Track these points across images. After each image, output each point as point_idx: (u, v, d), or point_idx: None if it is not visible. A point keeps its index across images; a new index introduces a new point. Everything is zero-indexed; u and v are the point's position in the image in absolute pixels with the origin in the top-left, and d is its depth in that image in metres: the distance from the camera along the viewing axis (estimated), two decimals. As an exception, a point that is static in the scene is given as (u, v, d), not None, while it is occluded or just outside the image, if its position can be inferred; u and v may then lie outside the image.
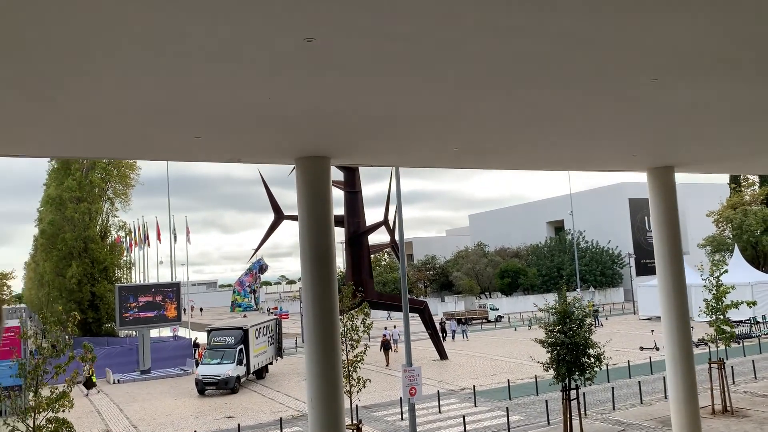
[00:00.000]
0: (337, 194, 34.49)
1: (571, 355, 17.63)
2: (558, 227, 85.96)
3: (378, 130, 8.78)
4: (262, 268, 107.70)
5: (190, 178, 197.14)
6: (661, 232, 14.72)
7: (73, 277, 46.28)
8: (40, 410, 11.89)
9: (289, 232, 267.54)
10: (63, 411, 11.91)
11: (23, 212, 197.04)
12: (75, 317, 12.26)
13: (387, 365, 34.23)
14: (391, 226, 36.00)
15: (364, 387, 15.61)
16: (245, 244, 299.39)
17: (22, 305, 35.35)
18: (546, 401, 21.58)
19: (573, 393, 18.07)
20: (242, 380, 30.13)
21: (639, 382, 24.24)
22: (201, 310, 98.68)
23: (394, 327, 45.69)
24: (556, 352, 17.93)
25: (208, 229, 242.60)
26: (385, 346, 35.90)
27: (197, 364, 34.59)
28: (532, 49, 6.03)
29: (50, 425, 11.88)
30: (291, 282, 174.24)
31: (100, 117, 7.40)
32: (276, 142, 9.19)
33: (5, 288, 32.42)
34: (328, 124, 8.35)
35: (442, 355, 35.80)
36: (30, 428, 12.08)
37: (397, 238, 34.82)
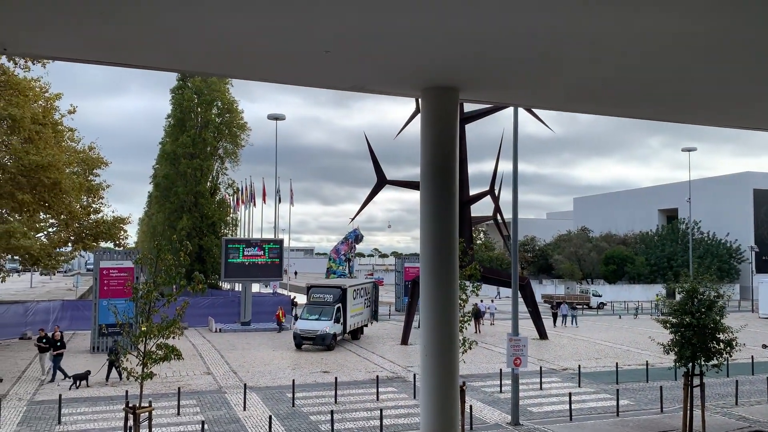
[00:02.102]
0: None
1: (698, 338, 16.03)
2: (671, 216, 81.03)
3: (521, 45, 7.79)
4: (357, 237, 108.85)
5: (294, 149, 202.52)
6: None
7: (183, 230, 48.25)
8: (151, 335, 12.01)
9: (385, 207, 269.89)
10: (173, 338, 11.98)
11: (139, 172, 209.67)
12: (188, 246, 12.27)
13: (476, 332, 35.52)
14: (497, 195, 34.70)
15: (470, 348, 14.86)
16: (341, 215, 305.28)
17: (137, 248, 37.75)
18: (660, 387, 19.99)
19: (696, 380, 16.48)
20: (338, 338, 30.26)
21: (767, 379, 22.07)
22: (296, 273, 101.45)
23: (492, 301, 44.85)
24: (680, 333, 16.38)
25: (308, 199, 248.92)
26: (476, 314, 36.06)
27: (278, 323, 36.25)
28: None
29: (160, 351, 12.00)
30: (383, 255, 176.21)
31: (219, 22, 6.92)
32: (406, 62, 8.46)
33: (122, 232, 34.11)
34: (466, 38, 7.49)
35: (542, 334, 34.44)
36: (141, 352, 12.26)
37: (509, 217, 33.58)
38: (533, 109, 32.33)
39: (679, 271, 20.80)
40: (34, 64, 26.16)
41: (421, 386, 9.56)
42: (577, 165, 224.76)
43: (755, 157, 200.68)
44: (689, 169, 58.50)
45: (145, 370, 12.15)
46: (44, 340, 22.68)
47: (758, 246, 66.94)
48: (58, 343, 22.38)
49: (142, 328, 11.96)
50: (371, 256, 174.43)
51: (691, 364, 16.29)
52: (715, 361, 16.22)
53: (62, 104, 36.53)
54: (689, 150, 59.40)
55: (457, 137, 10.07)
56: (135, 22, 7.17)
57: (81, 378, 21.27)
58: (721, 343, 16.09)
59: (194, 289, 12.22)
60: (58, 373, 22.30)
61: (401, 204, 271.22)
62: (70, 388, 20.73)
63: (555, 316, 42.22)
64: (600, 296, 56.62)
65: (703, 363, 16.24)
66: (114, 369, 21.63)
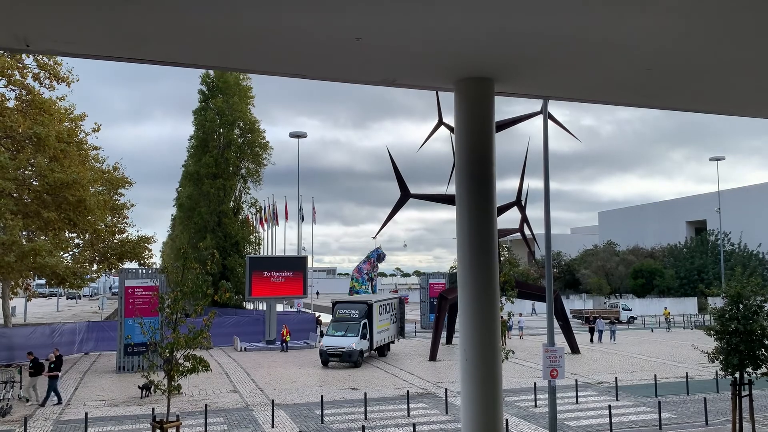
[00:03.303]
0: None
1: (746, 344, 15.26)
2: (699, 228, 79.42)
3: (561, 32, 7.37)
4: (380, 256, 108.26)
5: (315, 170, 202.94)
6: None
7: (207, 250, 48.21)
8: (179, 347, 11.65)
9: (406, 227, 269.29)
10: (201, 349, 11.61)
11: (162, 197, 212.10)
12: (214, 255, 11.95)
13: (503, 344, 33.71)
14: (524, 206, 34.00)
15: (507, 358, 14.27)
16: (363, 235, 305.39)
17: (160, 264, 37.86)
18: (705, 399, 19.14)
19: (744, 390, 15.67)
20: (365, 355, 29.69)
21: (816, 389, 21.08)
22: (317, 293, 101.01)
23: (520, 315, 44.04)
24: (725, 341, 15.63)
25: (329, 220, 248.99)
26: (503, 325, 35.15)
27: (283, 342, 35.13)
28: None
29: (187, 362, 11.62)
30: (405, 275, 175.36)
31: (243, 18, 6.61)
32: (441, 51, 8.08)
33: (147, 251, 34.11)
34: (503, 24, 7.08)
35: (574, 348, 33.51)
36: (168, 365, 11.89)
37: (536, 228, 32.76)
38: (561, 122, 31.74)
39: (717, 277, 20.06)
40: (58, 84, 26.39)
41: (461, 393, 9.01)
42: (599, 181, 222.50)
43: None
44: (718, 178, 57.37)
45: (173, 383, 11.79)
46: (30, 365, 21.78)
47: (792, 256, 65.23)
48: (52, 365, 21.49)
49: (169, 339, 11.60)
50: (393, 275, 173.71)
51: (738, 372, 15.53)
52: (764, 369, 15.44)
53: (86, 125, 36.91)
54: (717, 159, 58.27)
55: (494, 130, 9.64)
56: (160, 15, 6.89)
57: (147, 388, 21.95)
58: (769, 351, 15.33)
59: (221, 298, 11.88)
60: (52, 395, 21.42)
61: (423, 223, 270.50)
62: (141, 397, 22.18)
63: (592, 331, 40.45)
64: (630, 310, 55.40)
65: (751, 372, 15.48)
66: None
